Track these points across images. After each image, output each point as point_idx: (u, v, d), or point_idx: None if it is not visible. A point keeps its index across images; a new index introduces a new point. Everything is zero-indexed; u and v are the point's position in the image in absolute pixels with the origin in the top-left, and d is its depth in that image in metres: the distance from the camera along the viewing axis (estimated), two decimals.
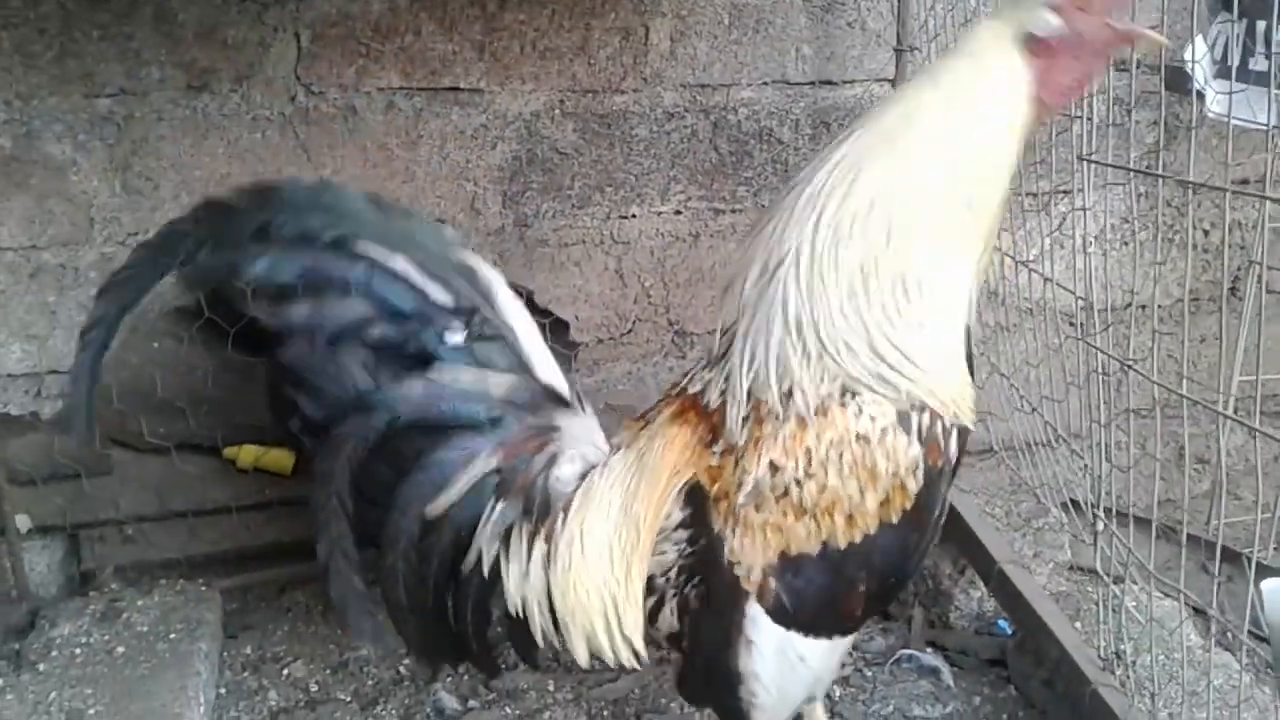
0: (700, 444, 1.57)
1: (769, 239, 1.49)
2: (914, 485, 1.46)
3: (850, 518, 1.46)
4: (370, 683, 2.28)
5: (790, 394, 1.46)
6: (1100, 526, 2.06)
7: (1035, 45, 1.42)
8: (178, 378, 2.37)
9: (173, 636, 2.18)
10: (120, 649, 2.14)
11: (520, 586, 1.63)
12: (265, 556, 2.51)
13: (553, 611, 1.62)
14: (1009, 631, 2.35)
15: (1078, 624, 2.13)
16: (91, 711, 1.96)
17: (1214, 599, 1.79)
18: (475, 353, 1.68)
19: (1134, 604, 2.08)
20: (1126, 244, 2.90)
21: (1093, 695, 1.92)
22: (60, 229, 2.41)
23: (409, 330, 1.67)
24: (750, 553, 1.50)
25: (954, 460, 1.51)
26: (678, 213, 2.70)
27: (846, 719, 2.17)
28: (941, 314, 1.45)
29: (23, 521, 2.33)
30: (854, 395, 1.44)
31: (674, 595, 1.59)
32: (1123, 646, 1.99)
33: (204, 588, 2.36)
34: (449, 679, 2.27)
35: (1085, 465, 2.17)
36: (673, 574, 1.59)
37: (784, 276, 1.45)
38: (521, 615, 1.64)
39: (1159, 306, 2.80)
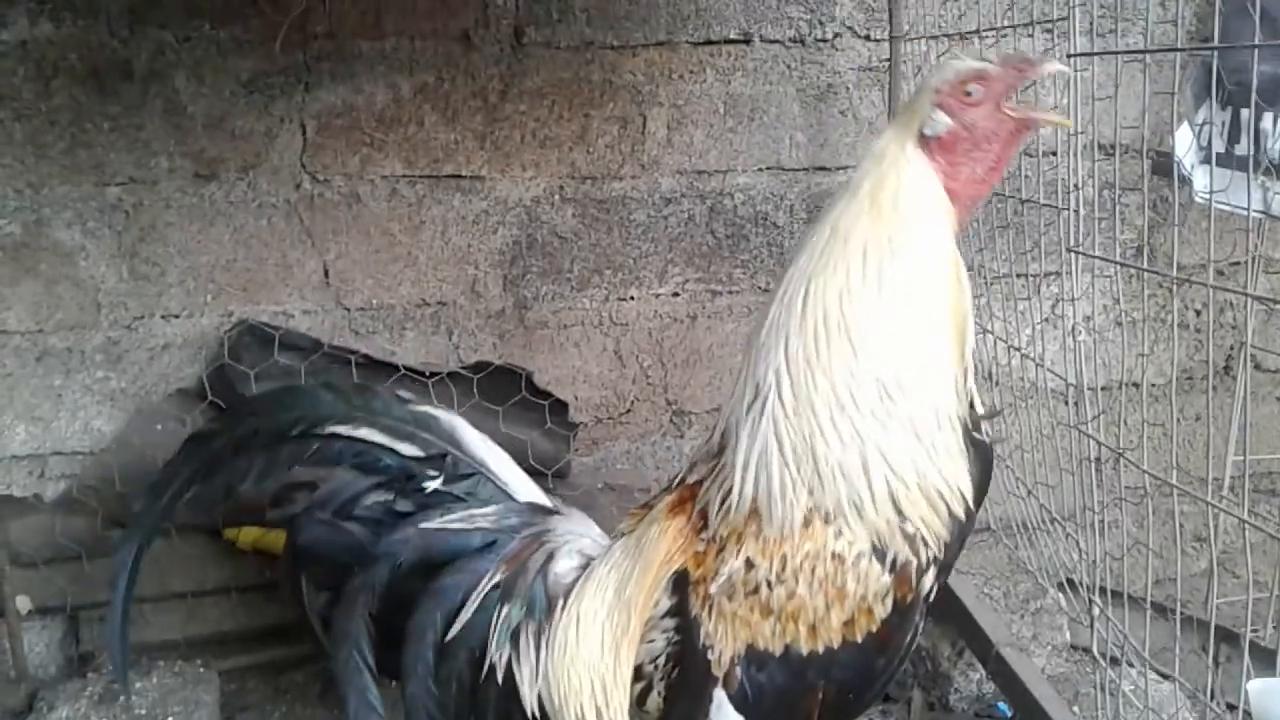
0: (692, 531, 1.60)
1: (752, 363, 1.54)
2: (881, 611, 1.48)
3: (813, 628, 1.49)
4: None
5: (776, 505, 1.49)
6: (1096, 611, 2.07)
7: (931, 143, 1.47)
8: None
9: (170, 719, 2.18)
10: None
11: (533, 685, 1.66)
12: (264, 637, 2.52)
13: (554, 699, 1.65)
14: (1008, 714, 2.35)
15: (1076, 708, 2.13)
16: None
17: (1209, 684, 1.79)
18: (455, 491, 1.77)
19: (1131, 687, 2.08)
20: (1119, 325, 2.94)
21: None
22: (68, 313, 2.45)
23: (394, 488, 1.78)
24: (721, 640, 1.53)
25: (928, 593, 1.52)
26: (675, 295, 2.75)
27: None
28: (928, 406, 1.47)
29: (23, 603, 2.34)
30: (838, 515, 1.47)
31: (662, 680, 1.62)
32: None
33: (202, 669, 2.35)
34: None
35: (1081, 549, 2.18)
36: (660, 661, 1.61)
37: (772, 406, 1.50)
38: (539, 713, 1.66)
39: (1152, 385, 2.85)
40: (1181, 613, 1.98)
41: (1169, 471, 2.00)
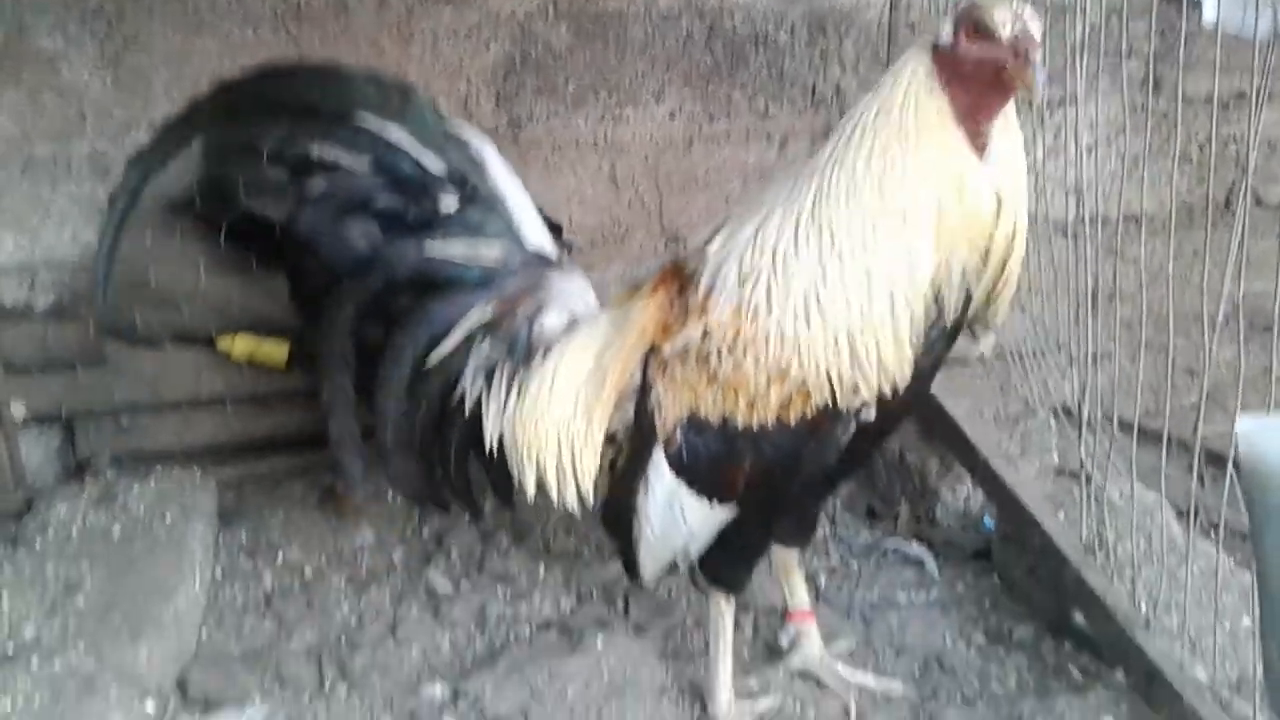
0: (669, 304, 1.66)
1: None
2: (818, 399, 1.54)
3: (752, 403, 1.56)
4: (364, 568, 2.30)
5: (745, 289, 1.56)
6: (1085, 414, 2.09)
7: (942, 57, 1.47)
8: (171, 270, 2.37)
9: (168, 519, 2.20)
10: (116, 529, 2.16)
11: (498, 422, 1.74)
12: (260, 448, 2.53)
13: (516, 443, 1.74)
14: (992, 529, 2.38)
15: (1061, 514, 2.16)
16: (88, 584, 1.99)
17: (1194, 476, 1.82)
18: (468, 219, 1.77)
19: (1118, 496, 2.11)
20: (1121, 157, 2.90)
21: (1074, 577, 1.95)
22: (52, 122, 2.40)
23: (407, 198, 1.77)
24: (667, 403, 1.62)
25: (860, 410, 1.56)
26: (671, 117, 2.69)
27: (833, 604, 2.20)
28: (896, 304, 1.51)
29: (18, 409, 2.34)
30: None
31: None
32: (1104, 530, 2.02)
33: (199, 476, 2.37)
34: (441, 563, 2.31)
35: (1072, 359, 2.20)
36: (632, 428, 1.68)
37: (775, 221, 1.56)
38: (498, 452, 1.75)
39: (1151, 219, 2.82)
40: (1171, 437, 2.00)
41: (1168, 295, 2.01)
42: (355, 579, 2.27)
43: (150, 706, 1.81)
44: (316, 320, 1.77)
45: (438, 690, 1.92)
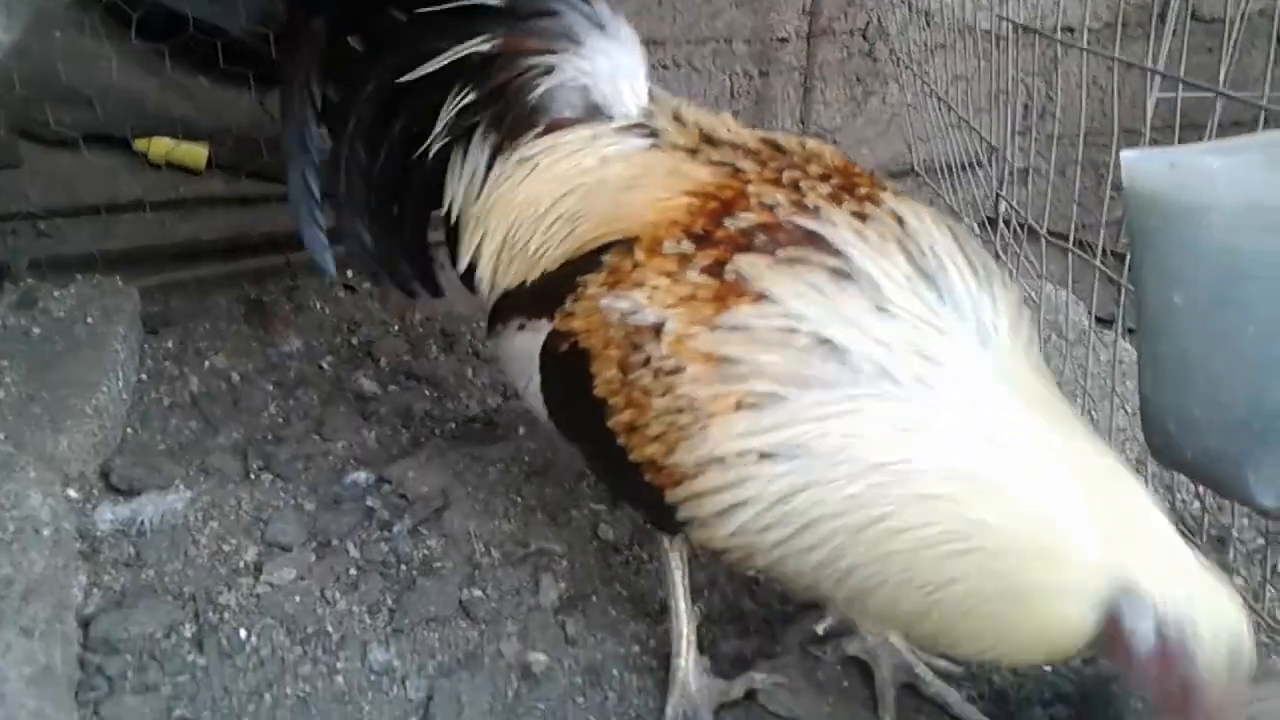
0: (706, 210, 1.32)
1: None
2: (664, 458, 1.27)
3: (632, 429, 1.30)
4: (292, 374, 2.31)
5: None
6: (1001, 211, 2.11)
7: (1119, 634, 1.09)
8: (81, 67, 2.30)
9: (90, 321, 2.18)
10: (37, 330, 2.13)
11: (461, 184, 1.51)
12: (183, 255, 2.49)
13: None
14: None
15: None
16: (8, 380, 1.98)
17: (1097, 254, 1.85)
18: None
19: (1032, 295, 2.15)
20: None
21: None
22: None
23: None
24: (579, 321, 1.34)
25: None
26: None
27: None
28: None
29: None
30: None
31: None
32: None
33: (121, 283, 2.34)
34: (369, 368, 2.32)
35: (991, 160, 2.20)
36: None
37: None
38: (449, 222, 1.56)
39: (1089, 30, 2.81)
40: (1090, 246, 2.03)
41: (1103, 111, 2.01)
42: (283, 383, 2.28)
43: (72, 491, 1.83)
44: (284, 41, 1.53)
45: (361, 476, 1.96)
